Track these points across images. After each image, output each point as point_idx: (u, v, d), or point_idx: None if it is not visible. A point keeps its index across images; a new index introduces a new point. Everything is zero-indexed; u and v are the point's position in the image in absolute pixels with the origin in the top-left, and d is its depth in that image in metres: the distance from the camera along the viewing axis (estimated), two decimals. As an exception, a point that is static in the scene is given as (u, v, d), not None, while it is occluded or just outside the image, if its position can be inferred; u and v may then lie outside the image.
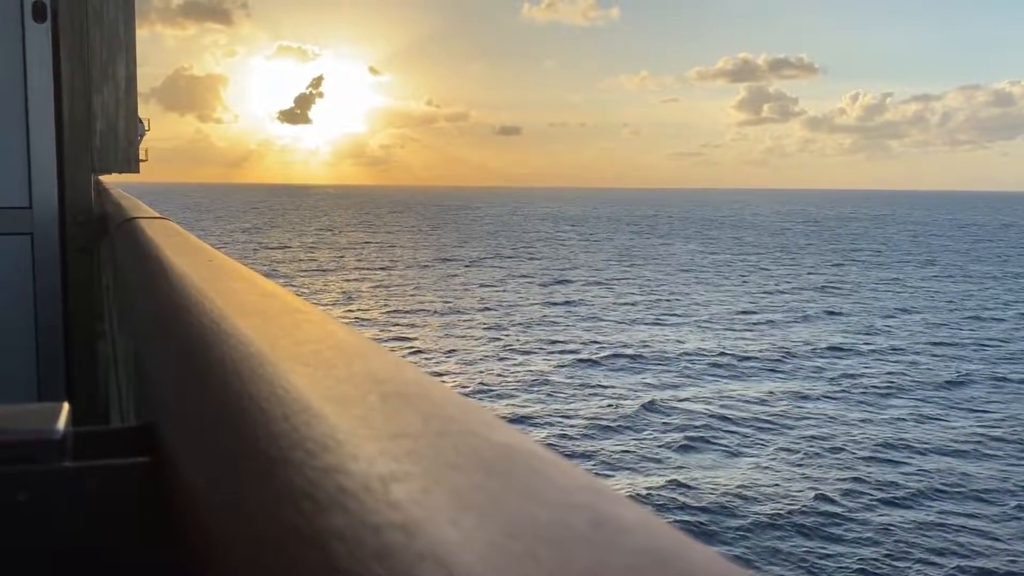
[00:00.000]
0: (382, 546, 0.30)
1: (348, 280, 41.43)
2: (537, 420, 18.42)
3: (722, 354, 25.07)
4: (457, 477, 0.35)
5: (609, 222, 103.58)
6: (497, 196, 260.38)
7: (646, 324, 30.06)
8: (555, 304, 34.16)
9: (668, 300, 35.95)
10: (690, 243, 69.11)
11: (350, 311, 32.45)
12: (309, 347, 0.61)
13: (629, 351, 25.09)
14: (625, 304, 34.56)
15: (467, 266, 48.27)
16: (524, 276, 43.48)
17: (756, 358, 24.72)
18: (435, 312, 32.30)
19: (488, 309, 32.83)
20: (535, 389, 21.04)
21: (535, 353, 24.96)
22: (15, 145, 3.54)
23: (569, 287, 39.53)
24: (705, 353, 25.18)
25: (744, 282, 42.63)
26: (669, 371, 23.11)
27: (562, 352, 25.12)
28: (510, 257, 54.35)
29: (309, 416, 0.44)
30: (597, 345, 25.94)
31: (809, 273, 47.49)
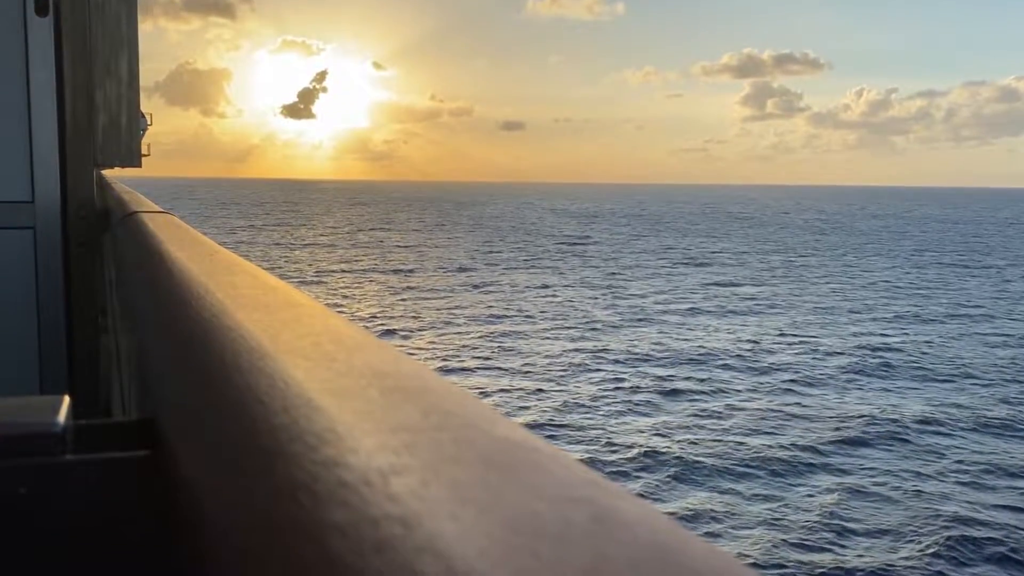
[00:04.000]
0: (381, 539, 0.31)
1: (390, 287, 38.42)
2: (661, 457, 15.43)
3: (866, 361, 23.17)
4: (457, 471, 0.36)
5: (630, 219, 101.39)
6: (504, 191, 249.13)
7: (747, 331, 27.58)
8: (635, 313, 31.17)
9: (762, 306, 33.07)
10: (734, 241, 67.34)
11: (408, 324, 29.12)
12: (310, 340, 0.63)
13: (742, 369, 22.42)
14: (713, 310, 31.93)
15: (509, 269, 45.56)
16: (581, 279, 40.57)
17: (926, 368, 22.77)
18: (497, 318, 29.50)
19: (557, 315, 30.22)
20: (656, 426, 17.63)
21: (631, 367, 22.33)
22: (17, 139, 3.61)
23: (632, 291, 36.50)
24: (845, 360, 23.17)
25: (832, 284, 40.19)
26: (802, 384, 20.84)
27: (666, 368, 22.19)
28: (553, 256, 52.26)
29: (309, 409, 0.45)
30: (710, 359, 23.38)
31: (900, 274, 45.12)
